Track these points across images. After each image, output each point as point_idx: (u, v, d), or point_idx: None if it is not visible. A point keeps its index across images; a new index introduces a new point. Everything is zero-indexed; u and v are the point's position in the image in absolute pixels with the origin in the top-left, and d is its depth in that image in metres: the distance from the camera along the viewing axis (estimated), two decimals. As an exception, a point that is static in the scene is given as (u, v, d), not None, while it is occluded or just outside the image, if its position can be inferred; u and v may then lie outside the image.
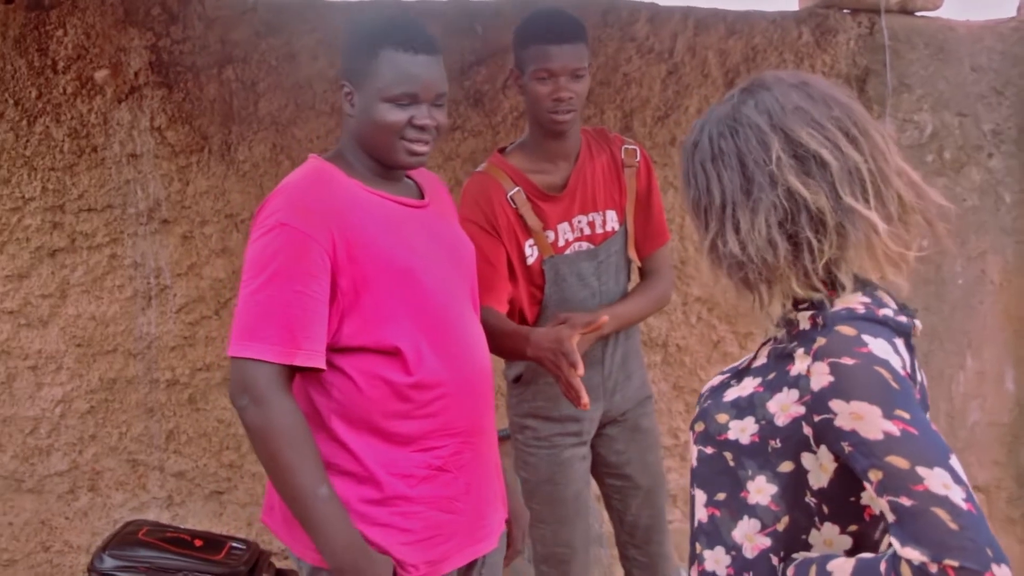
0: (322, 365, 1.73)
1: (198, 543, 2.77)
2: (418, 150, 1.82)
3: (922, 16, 3.83)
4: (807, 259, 1.28)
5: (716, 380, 1.48)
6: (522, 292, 2.49)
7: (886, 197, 1.29)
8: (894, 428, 1.16)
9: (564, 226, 2.50)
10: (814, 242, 1.27)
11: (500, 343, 2.27)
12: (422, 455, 1.80)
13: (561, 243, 2.49)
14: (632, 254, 2.60)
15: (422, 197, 1.94)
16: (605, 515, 2.92)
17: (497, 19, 3.53)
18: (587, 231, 2.52)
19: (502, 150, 2.57)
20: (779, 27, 3.69)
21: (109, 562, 2.62)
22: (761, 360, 1.39)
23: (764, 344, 1.43)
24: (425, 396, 1.78)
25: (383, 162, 1.85)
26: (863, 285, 1.32)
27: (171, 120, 3.31)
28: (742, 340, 3.79)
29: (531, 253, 2.47)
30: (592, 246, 2.52)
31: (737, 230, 1.30)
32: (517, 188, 2.45)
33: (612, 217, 2.56)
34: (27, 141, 3.21)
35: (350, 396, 1.77)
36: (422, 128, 1.80)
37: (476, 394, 1.86)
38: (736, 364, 1.49)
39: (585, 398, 2.16)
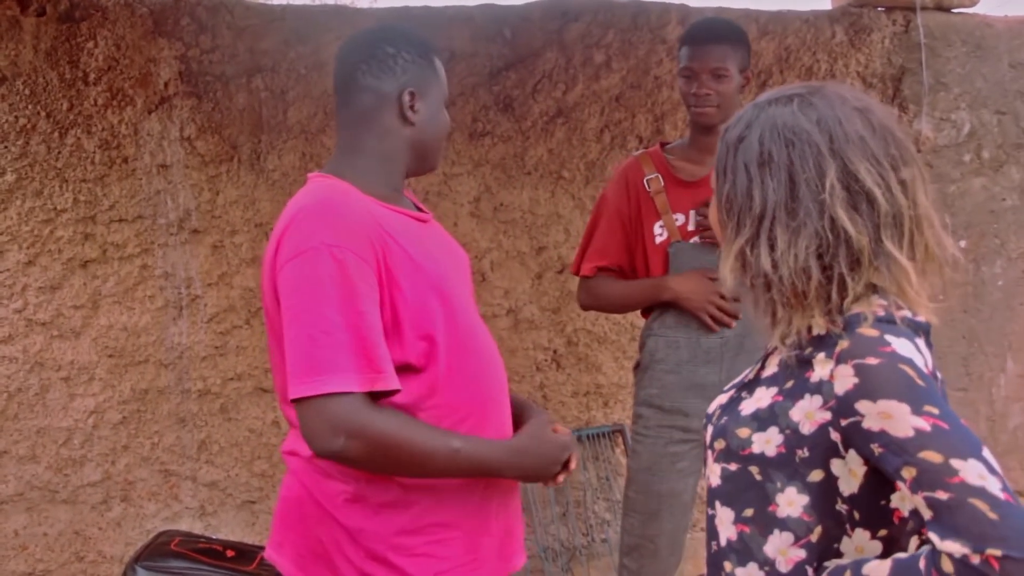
0: (398, 386, 1.64)
1: (230, 554, 2.76)
2: None
3: (959, 12, 3.77)
4: (835, 294, 1.26)
5: (723, 398, 1.45)
6: (654, 270, 2.68)
7: (917, 244, 1.28)
8: (924, 424, 1.15)
9: (695, 212, 2.65)
10: (848, 280, 1.26)
11: (624, 301, 2.74)
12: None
13: (691, 227, 2.65)
14: None
15: (421, 211, 1.91)
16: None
17: (526, 24, 3.51)
18: None
19: (664, 144, 2.81)
20: (812, 27, 3.64)
21: (142, 573, 2.61)
22: (771, 370, 1.36)
23: (768, 355, 1.40)
24: (456, 415, 1.72)
25: (428, 167, 1.89)
26: (875, 289, 1.29)
27: (201, 130, 3.32)
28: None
29: (660, 233, 2.67)
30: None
31: (772, 247, 1.27)
32: (656, 174, 2.68)
33: None
34: (59, 153, 3.23)
35: None
36: None
37: (499, 405, 1.82)
38: (739, 379, 1.46)
39: (732, 316, 2.56)
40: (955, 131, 3.74)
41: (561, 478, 1.81)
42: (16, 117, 3.18)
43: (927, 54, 3.65)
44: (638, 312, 2.84)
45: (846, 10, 3.69)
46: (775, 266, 1.27)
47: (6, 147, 3.18)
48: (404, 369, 1.68)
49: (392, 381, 1.62)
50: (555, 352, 3.66)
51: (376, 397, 1.63)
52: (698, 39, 2.61)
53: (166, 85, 3.29)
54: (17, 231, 3.21)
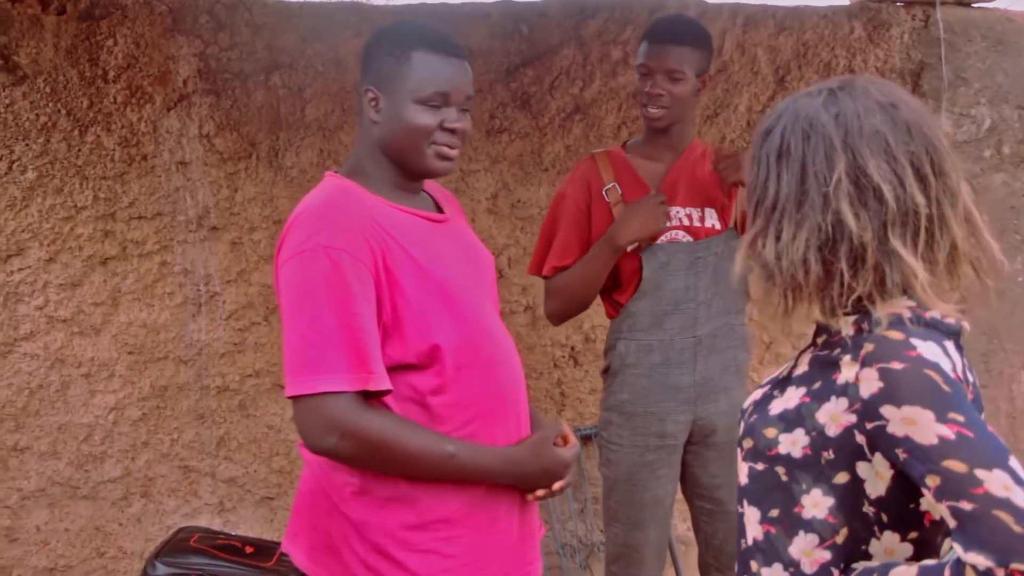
0: (389, 387, 1.66)
1: (249, 550, 2.77)
2: (449, 154, 1.77)
3: (979, 7, 3.73)
4: (835, 290, 1.26)
5: (758, 393, 1.45)
6: (623, 270, 2.60)
7: (937, 244, 1.25)
8: (948, 432, 1.13)
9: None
10: (847, 276, 1.25)
11: (584, 278, 2.57)
12: None
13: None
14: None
15: (440, 211, 1.89)
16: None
17: (543, 20, 3.50)
18: (685, 222, 2.60)
19: (624, 143, 2.77)
20: (830, 22, 3.62)
21: (162, 569, 2.63)
22: (802, 368, 1.36)
23: (803, 352, 1.39)
24: (464, 415, 1.73)
25: (411, 169, 1.79)
26: (905, 290, 1.28)
27: (219, 127, 3.33)
28: (795, 341, 3.72)
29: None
30: (691, 239, 2.59)
31: (778, 237, 1.28)
32: (613, 184, 2.61)
33: (712, 215, 2.62)
34: (79, 151, 3.25)
35: None
36: (452, 131, 1.77)
37: (512, 406, 1.81)
38: (776, 374, 1.45)
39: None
40: (975, 126, 3.71)
41: (540, 492, 1.80)
42: (37, 115, 3.21)
43: (947, 49, 3.62)
44: None
45: (864, 5, 3.66)
46: (778, 257, 1.27)
47: (27, 145, 3.21)
48: (409, 367, 1.69)
49: (383, 381, 1.64)
50: (573, 349, 3.66)
51: (371, 396, 1.65)
52: (658, 38, 2.55)
53: (185, 83, 3.30)
54: (38, 228, 3.24)
